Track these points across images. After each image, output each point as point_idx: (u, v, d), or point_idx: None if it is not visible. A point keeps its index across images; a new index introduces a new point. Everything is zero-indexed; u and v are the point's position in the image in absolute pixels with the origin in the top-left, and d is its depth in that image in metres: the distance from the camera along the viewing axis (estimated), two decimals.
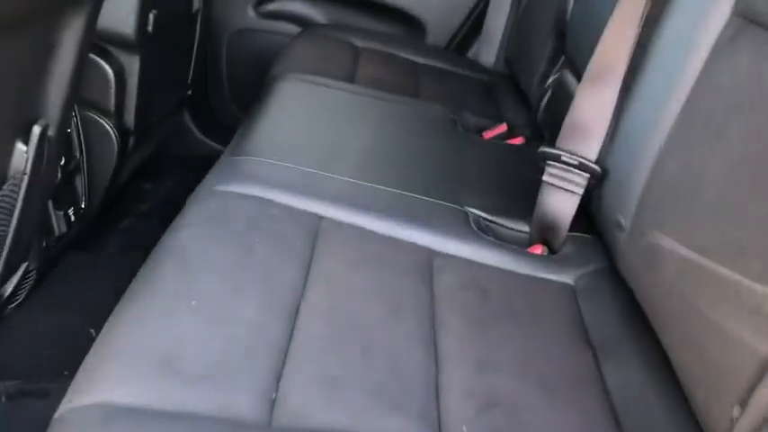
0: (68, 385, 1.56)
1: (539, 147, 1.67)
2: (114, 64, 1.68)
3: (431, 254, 1.15)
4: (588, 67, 1.15)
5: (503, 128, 1.71)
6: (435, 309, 1.02)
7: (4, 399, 1.48)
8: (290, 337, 0.90)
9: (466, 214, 1.25)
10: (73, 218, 1.60)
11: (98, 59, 1.65)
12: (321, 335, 0.91)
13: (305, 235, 1.10)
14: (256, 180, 1.21)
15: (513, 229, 1.28)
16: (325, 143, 1.40)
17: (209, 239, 1.04)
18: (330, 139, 1.43)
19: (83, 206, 1.66)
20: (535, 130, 1.75)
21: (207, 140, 2.45)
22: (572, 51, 1.52)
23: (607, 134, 1.16)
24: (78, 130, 1.61)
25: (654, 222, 1.02)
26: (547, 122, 1.67)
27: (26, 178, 1.20)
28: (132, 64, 1.71)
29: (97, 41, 1.64)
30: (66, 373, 1.57)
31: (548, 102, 1.66)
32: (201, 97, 2.41)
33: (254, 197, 1.17)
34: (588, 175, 1.17)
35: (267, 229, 1.08)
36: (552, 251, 1.23)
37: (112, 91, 1.69)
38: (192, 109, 2.40)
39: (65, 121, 1.26)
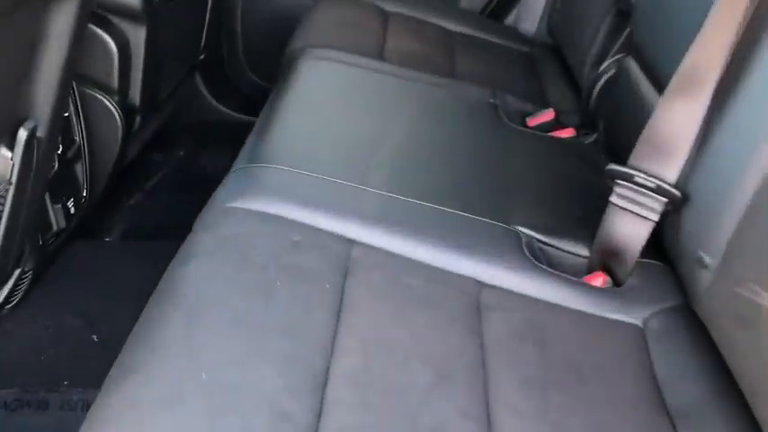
0: (67, 396, 1.43)
1: (590, 139, 1.51)
2: (117, 36, 1.50)
3: (478, 287, 0.99)
4: (676, 73, 0.97)
5: (549, 115, 1.53)
6: (487, 369, 0.86)
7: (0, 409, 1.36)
8: (319, 416, 0.75)
9: (517, 236, 1.09)
10: (73, 210, 1.45)
11: (99, 31, 1.47)
12: (355, 413, 0.76)
13: (334, 269, 0.94)
14: (276, 194, 1.05)
15: (569, 253, 1.12)
16: (352, 144, 1.23)
17: (220, 280, 0.88)
18: (358, 138, 1.25)
19: (84, 195, 1.50)
20: (585, 117, 1.57)
21: (220, 106, 2.28)
22: (639, 37, 1.32)
23: (689, 155, 0.98)
24: (78, 111, 1.45)
25: (751, 272, 0.86)
26: (602, 112, 1.48)
27: (12, 188, 1.05)
28: (138, 36, 1.53)
29: (98, 11, 1.46)
30: (65, 382, 1.45)
31: (603, 88, 1.48)
32: (215, 60, 2.22)
33: (273, 217, 1.01)
34: (666, 200, 1.00)
35: (289, 264, 0.93)
36: (616, 282, 1.07)
37: (116, 66, 1.51)
38: (205, 72, 2.22)
39: (56, 119, 1.10)
